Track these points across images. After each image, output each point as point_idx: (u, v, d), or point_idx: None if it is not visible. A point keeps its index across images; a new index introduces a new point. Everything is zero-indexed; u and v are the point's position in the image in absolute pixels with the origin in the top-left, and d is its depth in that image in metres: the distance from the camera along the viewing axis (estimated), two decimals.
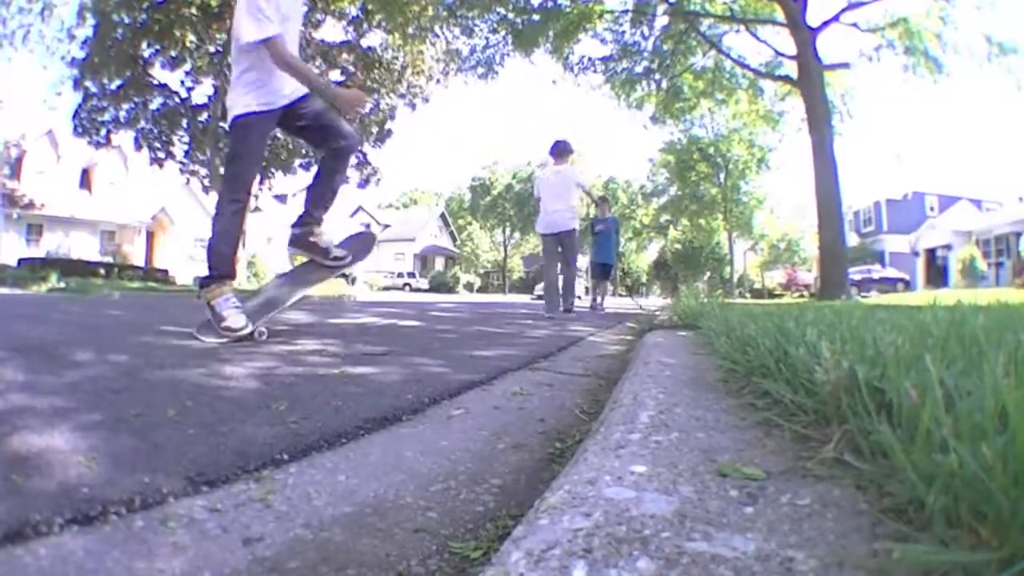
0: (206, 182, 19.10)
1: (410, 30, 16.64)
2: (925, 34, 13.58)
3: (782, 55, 14.27)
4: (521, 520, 0.72)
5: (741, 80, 17.76)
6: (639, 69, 16.90)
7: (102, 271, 16.99)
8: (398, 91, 18.20)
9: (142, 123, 17.61)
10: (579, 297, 8.39)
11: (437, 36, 17.23)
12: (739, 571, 0.51)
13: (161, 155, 18.04)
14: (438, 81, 18.19)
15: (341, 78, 17.87)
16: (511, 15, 15.33)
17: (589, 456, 0.89)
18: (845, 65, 14.31)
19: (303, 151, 18.70)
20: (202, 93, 17.51)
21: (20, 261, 19.74)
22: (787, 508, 0.64)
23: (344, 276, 3.13)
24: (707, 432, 0.98)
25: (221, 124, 17.27)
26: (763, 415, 1.04)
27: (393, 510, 0.94)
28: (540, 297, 28.16)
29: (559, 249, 7.16)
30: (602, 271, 10.60)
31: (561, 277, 7.22)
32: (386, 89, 18.06)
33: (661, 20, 15.98)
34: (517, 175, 48.33)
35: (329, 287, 20.57)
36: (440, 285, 38.83)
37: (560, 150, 7.45)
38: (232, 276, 3.01)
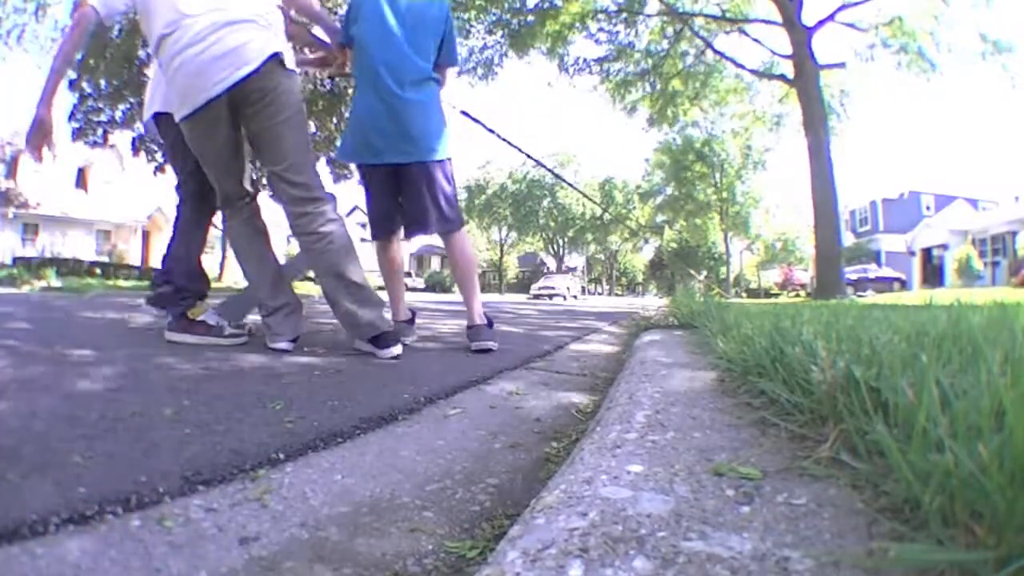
0: None
1: None
2: (919, 33, 13.64)
3: (778, 55, 14.29)
4: (517, 519, 0.72)
5: (736, 81, 17.77)
6: (634, 69, 16.91)
7: (98, 270, 16.91)
8: None
9: (138, 123, 17.52)
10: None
11: None
12: (735, 570, 0.51)
13: (160, 159, 17.95)
14: None
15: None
16: (506, 16, 15.34)
17: (585, 456, 0.89)
18: (841, 65, 14.34)
19: None
20: None
21: (14, 260, 19.65)
22: (783, 507, 0.64)
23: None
24: (703, 431, 0.98)
25: None
26: (759, 414, 1.04)
27: (389, 510, 0.94)
28: (537, 296, 27.97)
29: (237, 152, 2.48)
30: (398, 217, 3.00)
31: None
32: None
33: (655, 20, 16.00)
34: (512, 175, 48.19)
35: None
36: (436, 284, 38.72)
37: None
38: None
